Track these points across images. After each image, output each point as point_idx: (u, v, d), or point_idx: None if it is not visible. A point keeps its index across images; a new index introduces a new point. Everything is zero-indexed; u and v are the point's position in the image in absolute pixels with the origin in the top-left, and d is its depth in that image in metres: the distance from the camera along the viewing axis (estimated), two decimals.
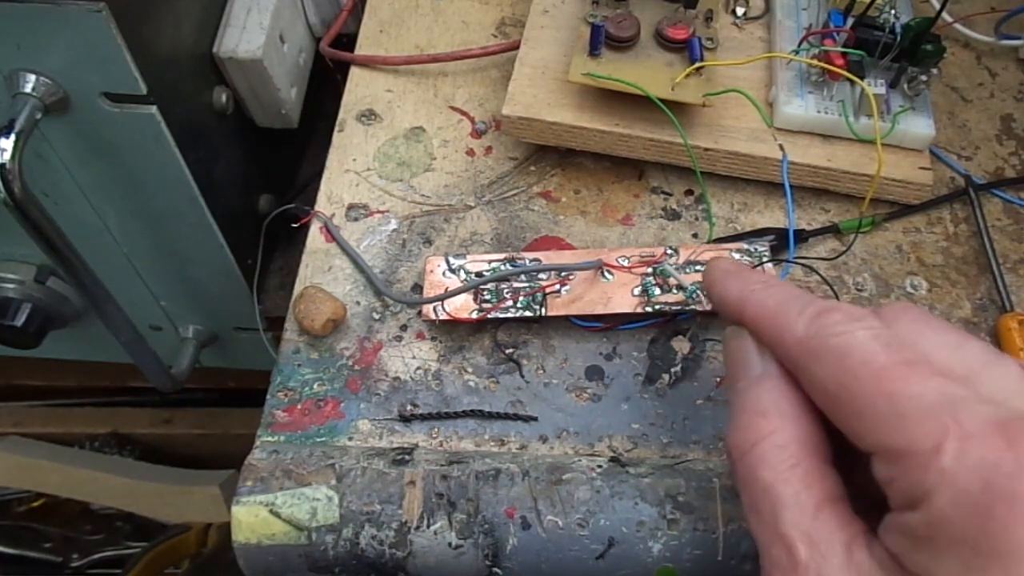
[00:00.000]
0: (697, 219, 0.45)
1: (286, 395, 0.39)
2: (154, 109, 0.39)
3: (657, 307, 0.39)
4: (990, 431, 0.22)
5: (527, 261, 0.41)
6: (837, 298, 0.41)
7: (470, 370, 0.40)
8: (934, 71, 0.43)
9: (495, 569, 0.34)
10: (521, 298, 0.40)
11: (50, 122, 0.39)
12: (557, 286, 0.40)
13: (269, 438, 0.38)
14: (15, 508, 0.84)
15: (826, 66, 0.43)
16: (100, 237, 0.48)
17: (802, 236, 0.43)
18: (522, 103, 0.44)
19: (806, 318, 0.27)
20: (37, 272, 0.51)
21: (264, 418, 0.39)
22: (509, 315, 0.40)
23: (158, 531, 0.80)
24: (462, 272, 0.41)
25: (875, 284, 0.42)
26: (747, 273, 0.32)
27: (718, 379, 0.39)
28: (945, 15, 0.47)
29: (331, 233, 0.44)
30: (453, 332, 0.41)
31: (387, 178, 0.46)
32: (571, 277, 0.40)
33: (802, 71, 0.45)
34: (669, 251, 0.41)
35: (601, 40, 0.43)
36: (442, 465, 0.36)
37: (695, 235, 0.44)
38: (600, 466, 0.36)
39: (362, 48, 0.51)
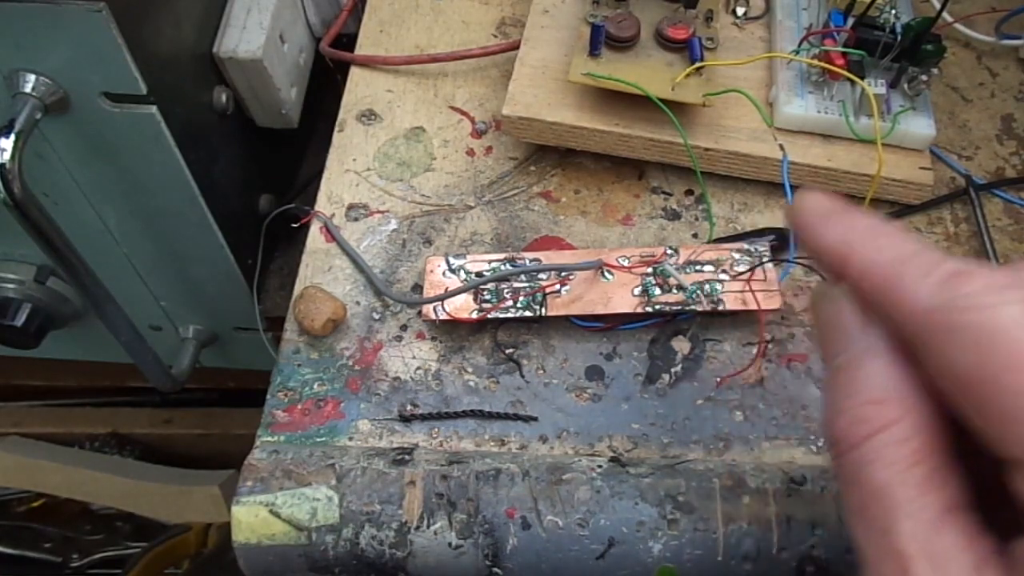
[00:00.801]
0: (697, 219, 0.44)
1: (286, 395, 0.39)
2: (154, 109, 0.39)
3: (657, 307, 0.39)
4: None
5: (527, 261, 0.41)
6: None
7: (470, 370, 0.40)
8: (934, 71, 0.43)
9: (495, 569, 0.34)
10: (521, 298, 0.40)
11: (50, 122, 0.39)
12: (557, 286, 0.40)
13: (269, 438, 0.38)
14: (15, 508, 0.84)
15: (826, 66, 0.43)
16: (100, 237, 0.48)
17: None
18: (522, 103, 0.44)
19: (934, 282, 0.21)
20: (37, 272, 0.51)
21: (264, 418, 0.39)
22: (509, 315, 0.39)
23: (158, 531, 0.80)
24: (462, 272, 0.41)
25: None
26: (852, 215, 0.25)
27: (718, 379, 0.39)
28: (945, 15, 0.47)
29: (331, 233, 0.44)
30: (453, 332, 0.41)
31: (387, 178, 0.46)
32: (571, 277, 0.40)
33: (802, 71, 0.45)
34: (669, 251, 0.41)
35: (601, 40, 0.43)
36: (442, 465, 0.36)
37: (695, 235, 0.44)
38: (600, 466, 0.36)
39: (362, 48, 0.51)
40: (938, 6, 0.43)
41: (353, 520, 0.35)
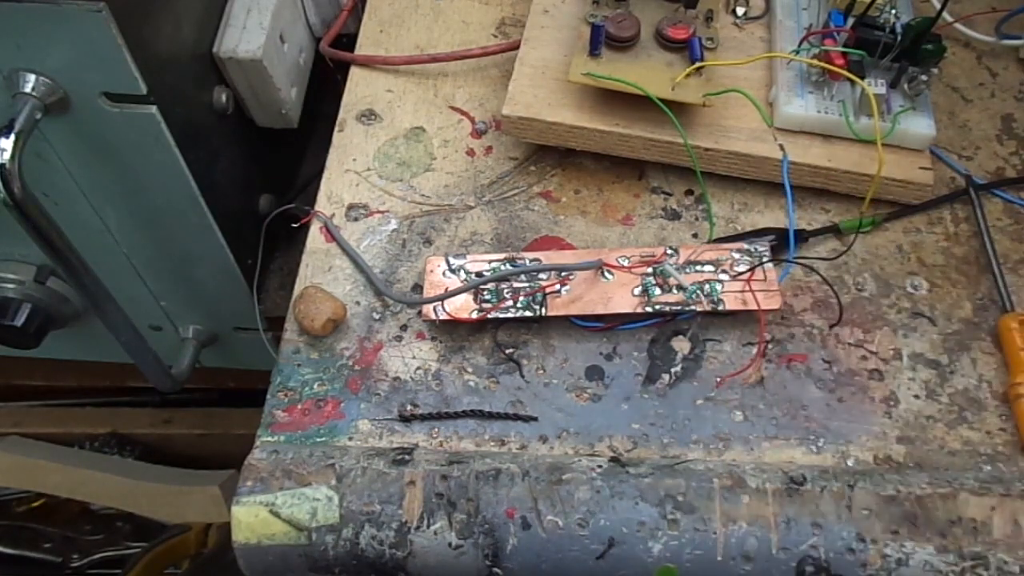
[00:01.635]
0: (697, 219, 0.44)
1: (286, 395, 0.39)
2: (154, 109, 0.39)
3: (657, 307, 0.39)
4: None
5: (527, 261, 0.41)
6: (837, 298, 0.41)
7: (470, 370, 0.40)
8: (934, 71, 0.43)
9: (495, 569, 0.34)
10: (521, 298, 0.40)
11: (50, 122, 0.39)
12: (557, 286, 0.40)
13: (269, 438, 0.38)
14: (15, 508, 0.83)
15: (826, 66, 0.43)
16: (100, 237, 0.48)
17: (802, 236, 0.43)
18: (522, 103, 0.44)
19: None
20: (37, 272, 0.51)
21: (264, 418, 0.39)
22: (509, 315, 0.39)
23: (158, 531, 0.80)
24: (462, 272, 0.41)
25: (875, 284, 0.42)
26: None
27: (718, 379, 0.39)
28: (945, 15, 0.47)
29: (331, 233, 0.44)
30: (453, 332, 0.41)
31: (387, 178, 0.46)
32: (571, 277, 0.40)
33: (802, 71, 0.45)
34: (669, 251, 0.41)
35: (601, 40, 0.43)
36: (442, 465, 0.36)
37: (695, 235, 0.44)
38: (600, 466, 0.36)
39: (362, 48, 0.51)
40: (938, 6, 0.43)
41: (353, 520, 0.35)
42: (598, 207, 0.45)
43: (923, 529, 0.34)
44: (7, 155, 0.36)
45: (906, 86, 0.44)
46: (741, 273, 0.40)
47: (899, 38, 0.43)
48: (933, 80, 0.44)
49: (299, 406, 0.39)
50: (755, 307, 0.39)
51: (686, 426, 0.38)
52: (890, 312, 0.42)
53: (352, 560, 0.34)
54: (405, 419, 0.38)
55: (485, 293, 0.40)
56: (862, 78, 0.42)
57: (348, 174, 0.46)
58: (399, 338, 0.41)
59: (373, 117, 0.48)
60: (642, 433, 0.38)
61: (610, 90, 0.43)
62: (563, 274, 0.40)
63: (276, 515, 0.35)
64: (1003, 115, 0.49)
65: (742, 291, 0.40)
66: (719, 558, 0.34)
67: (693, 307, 0.39)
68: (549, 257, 0.41)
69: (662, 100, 0.41)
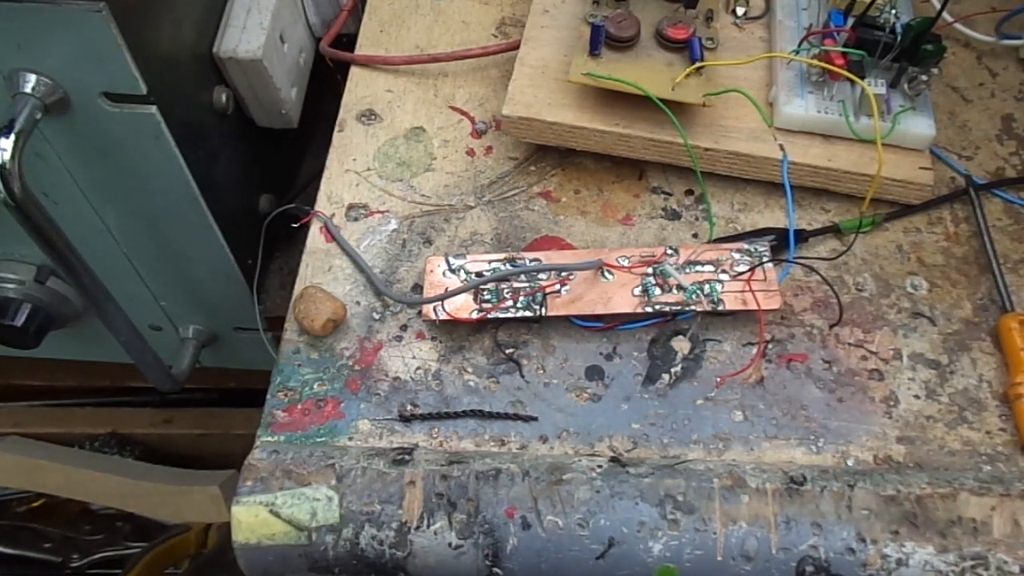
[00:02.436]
0: (697, 219, 0.44)
1: (286, 395, 0.39)
2: (154, 109, 0.39)
3: (657, 307, 0.39)
4: None
5: (527, 261, 0.41)
6: (837, 298, 0.41)
7: (470, 370, 0.40)
8: (934, 71, 0.43)
9: (495, 569, 0.34)
10: (521, 298, 0.40)
11: (50, 122, 0.39)
12: (557, 286, 0.40)
13: (269, 438, 0.38)
14: (15, 508, 0.83)
15: (826, 66, 0.43)
16: (100, 237, 0.48)
17: (802, 236, 0.43)
18: (522, 103, 0.44)
19: None
20: (37, 272, 0.51)
21: (264, 418, 0.39)
22: (509, 315, 0.39)
23: (158, 531, 0.80)
24: (462, 272, 0.41)
25: (875, 284, 0.42)
26: None
27: (718, 379, 0.39)
28: (945, 15, 0.47)
29: (331, 233, 0.44)
30: (453, 332, 0.41)
31: (387, 178, 0.46)
32: (571, 277, 0.40)
33: (802, 71, 0.45)
34: (669, 251, 0.41)
35: (601, 40, 0.43)
36: (442, 465, 0.36)
37: (695, 235, 0.44)
38: (600, 466, 0.36)
39: (362, 48, 0.51)
40: (938, 6, 0.43)
41: (353, 520, 0.35)
42: (598, 207, 0.45)
43: (923, 529, 0.34)
44: (7, 155, 0.36)
45: (906, 86, 0.44)
46: (741, 273, 0.40)
47: (899, 38, 0.43)
48: (933, 80, 0.44)
49: (299, 406, 0.39)
50: (755, 307, 0.39)
51: (686, 426, 0.38)
52: (890, 312, 0.42)
53: (352, 560, 0.35)
54: (405, 419, 0.38)
55: (485, 293, 0.40)
56: (862, 78, 0.42)
57: (348, 174, 0.46)
58: (399, 338, 0.41)
59: (373, 117, 0.48)
60: (642, 433, 0.38)
61: (610, 90, 0.43)
62: (563, 274, 0.40)
63: (276, 515, 0.35)
64: (1003, 115, 0.49)
65: (742, 291, 0.40)
66: (719, 558, 0.34)
67: (693, 307, 0.39)
68: (549, 257, 0.41)
69: (662, 100, 0.41)
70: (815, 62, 0.44)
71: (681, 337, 0.41)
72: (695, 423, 0.38)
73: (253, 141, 0.52)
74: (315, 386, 0.39)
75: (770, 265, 0.40)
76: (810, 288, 0.42)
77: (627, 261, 0.41)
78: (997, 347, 0.40)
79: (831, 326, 0.41)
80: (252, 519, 0.35)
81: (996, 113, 0.49)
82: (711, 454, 0.38)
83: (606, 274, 0.40)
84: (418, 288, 0.42)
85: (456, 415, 0.38)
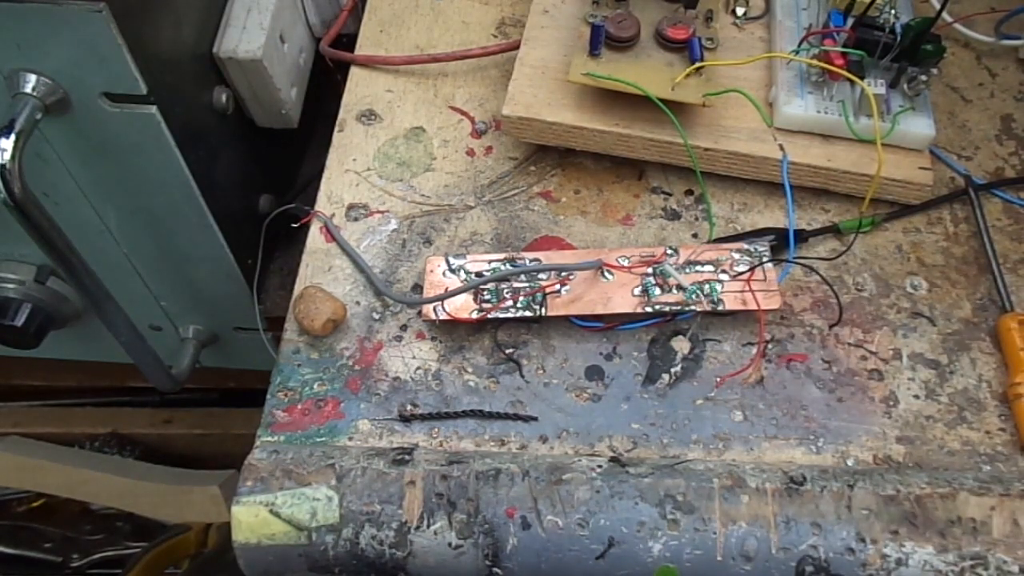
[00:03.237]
0: (697, 219, 0.45)
1: (286, 395, 0.39)
2: (154, 109, 0.39)
3: (657, 307, 0.39)
4: None
5: (527, 261, 0.41)
6: (837, 298, 0.41)
7: (470, 370, 0.40)
8: (934, 71, 0.43)
9: (495, 569, 0.34)
10: (521, 298, 0.40)
11: (50, 122, 0.39)
12: (557, 286, 0.40)
13: (269, 438, 0.38)
14: (15, 508, 0.83)
15: (826, 66, 0.43)
16: (100, 237, 0.48)
17: (802, 236, 0.43)
18: (522, 103, 0.44)
19: None
20: (37, 272, 0.51)
21: (264, 418, 0.39)
22: (509, 315, 0.40)
23: (158, 531, 0.80)
24: (462, 272, 0.41)
25: (875, 284, 0.42)
26: None
27: (718, 379, 0.39)
28: (945, 15, 0.47)
29: (331, 233, 0.44)
30: (453, 332, 0.41)
31: (387, 178, 0.46)
32: (571, 277, 0.40)
33: (802, 71, 0.45)
34: (669, 251, 0.41)
35: (601, 40, 0.43)
36: (442, 465, 0.36)
37: (695, 235, 0.44)
38: (600, 466, 0.36)
39: (362, 48, 0.51)
40: (938, 6, 0.43)
41: (353, 520, 0.35)
42: (598, 207, 0.45)
43: (922, 529, 0.34)
44: (7, 155, 0.36)
45: (906, 86, 0.44)
46: (741, 273, 0.40)
47: (899, 38, 0.43)
48: (933, 80, 0.44)
49: (299, 406, 0.39)
50: (755, 307, 0.39)
51: (686, 426, 0.38)
52: (890, 312, 0.42)
53: (352, 560, 0.35)
54: (405, 419, 0.38)
55: (485, 293, 0.40)
56: (862, 78, 0.42)
57: (348, 174, 0.46)
58: (399, 338, 0.41)
59: (373, 117, 0.48)
60: (642, 433, 0.38)
61: (610, 90, 0.43)
62: (563, 274, 0.40)
63: (276, 515, 0.35)
64: (1002, 115, 0.49)
65: (742, 291, 0.40)
66: (719, 558, 0.34)
67: (693, 307, 0.39)
68: (549, 257, 0.41)
69: (662, 100, 0.41)
70: (815, 62, 0.44)
71: (681, 337, 0.41)
72: (695, 423, 0.38)
73: (253, 141, 0.52)
74: (315, 386, 0.39)
75: (770, 265, 0.40)
76: (810, 288, 0.42)
77: (627, 261, 0.41)
78: (996, 347, 0.41)
79: (831, 326, 0.41)
80: (252, 519, 0.35)
81: (995, 113, 0.49)
82: (711, 454, 0.38)
83: (606, 274, 0.40)
84: (418, 288, 0.42)
85: (456, 415, 0.38)
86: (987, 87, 0.50)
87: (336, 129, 0.48)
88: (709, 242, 0.43)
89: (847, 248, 0.43)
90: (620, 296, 0.40)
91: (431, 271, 0.41)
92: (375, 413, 0.39)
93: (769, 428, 0.38)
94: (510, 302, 0.40)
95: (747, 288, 0.40)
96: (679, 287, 0.40)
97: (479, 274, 0.41)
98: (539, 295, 0.40)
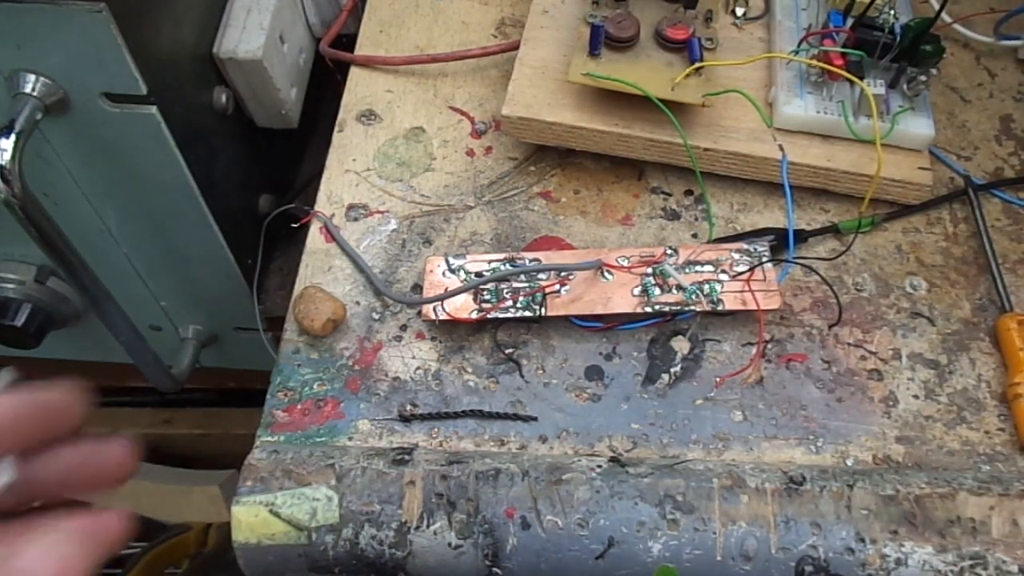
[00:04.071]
0: (697, 219, 0.45)
1: (286, 395, 0.39)
2: (154, 109, 0.39)
3: (657, 307, 0.39)
4: None
5: (527, 261, 0.41)
6: (837, 299, 0.41)
7: (470, 370, 0.40)
8: (933, 71, 0.43)
9: (495, 569, 0.34)
10: (521, 298, 0.40)
11: (50, 122, 0.39)
12: (557, 286, 0.40)
13: (269, 438, 0.38)
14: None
15: (826, 66, 0.43)
16: (100, 237, 0.48)
17: (802, 236, 0.43)
18: (522, 103, 0.44)
19: None
20: (37, 272, 0.51)
21: (264, 418, 0.39)
22: (509, 315, 0.40)
23: (158, 531, 0.80)
24: (462, 272, 0.41)
25: (875, 284, 0.42)
26: None
27: (718, 379, 0.39)
28: (944, 15, 0.47)
29: (331, 233, 0.44)
30: (453, 332, 0.41)
31: (387, 178, 0.46)
32: (571, 277, 0.40)
33: (802, 71, 0.45)
34: (669, 251, 0.41)
35: (601, 40, 0.43)
36: (442, 465, 0.36)
37: (695, 235, 0.44)
38: (600, 466, 0.36)
39: (362, 48, 0.51)
40: (937, 6, 0.43)
41: (353, 520, 0.35)
42: (598, 207, 0.45)
43: (922, 529, 0.34)
44: (7, 155, 0.36)
45: (905, 86, 0.44)
46: (741, 273, 0.40)
47: (898, 38, 0.43)
48: (932, 80, 0.44)
49: (299, 406, 0.39)
50: (754, 307, 0.39)
51: (685, 426, 0.38)
52: (889, 312, 0.42)
53: (352, 560, 0.35)
54: (405, 419, 0.39)
55: (485, 293, 0.40)
56: (861, 78, 0.42)
57: (348, 174, 0.46)
58: (399, 338, 0.41)
59: (373, 117, 0.48)
60: (642, 433, 0.38)
61: (610, 90, 0.43)
62: (563, 274, 0.40)
63: (276, 515, 0.35)
64: (1002, 115, 0.49)
65: (742, 291, 0.40)
66: (718, 558, 0.34)
67: (693, 307, 0.39)
68: (549, 257, 0.41)
69: (662, 100, 0.42)
70: (814, 62, 0.44)
71: (681, 337, 0.41)
72: (695, 423, 0.38)
73: (253, 141, 0.52)
74: (315, 386, 0.39)
75: (769, 265, 0.40)
76: (809, 288, 0.42)
77: (627, 261, 0.41)
78: (996, 347, 0.41)
79: (830, 326, 0.41)
80: (252, 519, 0.35)
81: (995, 113, 0.49)
82: (710, 454, 0.38)
83: (606, 274, 0.40)
84: (418, 288, 0.42)
85: (456, 415, 0.38)
86: (986, 87, 0.50)
87: (336, 129, 0.48)
88: (709, 242, 0.43)
89: (847, 248, 0.43)
90: (620, 296, 0.40)
91: (431, 271, 0.41)
92: (375, 413, 0.39)
93: (769, 428, 0.38)
94: (510, 302, 0.40)
95: (747, 288, 0.40)
96: (679, 287, 0.40)
97: (479, 274, 0.41)
98: (539, 295, 0.40)
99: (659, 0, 0.45)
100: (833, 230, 0.44)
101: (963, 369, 0.40)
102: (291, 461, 0.36)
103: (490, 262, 0.41)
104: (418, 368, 0.40)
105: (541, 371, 0.40)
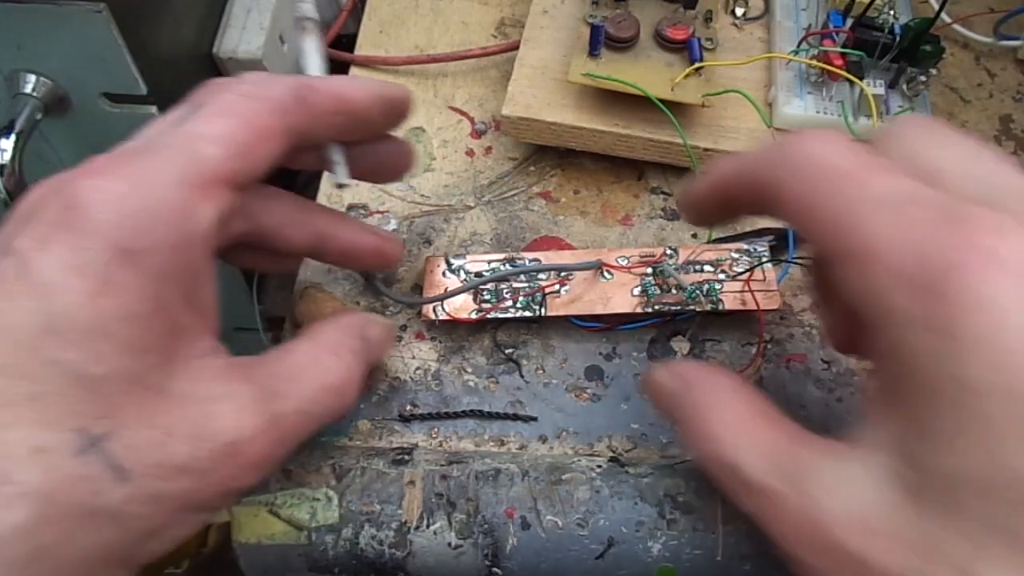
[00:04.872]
0: None
1: None
2: (154, 109, 0.39)
3: (657, 307, 0.39)
4: (936, 218, 0.21)
5: (527, 261, 0.41)
6: None
7: (470, 370, 0.40)
8: (933, 72, 0.44)
9: (495, 569, 0.34)
10: (521, 298, 0.40)
11: (50, 122, 0.39)
12: (557, 286, 0.40)
13: None
14: None
15: (825, 66, 0.43)
16: None
17: (801, 236, 0.43)
18: (522, 103, 0.44)
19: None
20: None
21: None
22: (509, 315, 0.40)
23: None
24: (462, 272, 0.41)
25: None
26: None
27: None
28: (944, 16, 0.47)
29: None
30: (453, 332, 0.41)
31: None
32: (571, 277, 0.40)
33: (801, 71, 0.45)
34: (669, 251, 0.41)
35: (601, 40, 0.43)
36: (442, 465, 0.36)
37: (695, 235, 0.44)
38: (600, 466, 0.36)
39: (362, 48, 0.51)
40: (937, 6, 0.43)
41: (353, 520, 0.35)
42: (597, 207, 0.45)
43: None
44: (7, 155, 0.36)
45: (905, 87, 0.44)
46: (740, 273, 0.40)
47: (898, 39, 0.43)
48: (932, 81, 0.44)
49: None
50: (754, 307, 0.39)
51: None
52: None
53: (352, 560, 0.35)
54: (405, 419, 0.39)
55: (485, 293, 0.40)
56: (861, 79, 0.42)
57: None
58: (399, 338, 0.41)
59: None
60: (641, 433, 0.38)
61: (610, 90, 0.43)
62: (562, 274, 0.40)
63: (276, 515, 0.35)
64: (1001, 116, 0.49)
65: (741, 291, 0.40)
66: (718, 558, 0.34)
67: (693, 307, 0.39)
68: (549, 257, 0.41)
69: (661, 100, 0.42)
70: (814, 63, 0.44)
71: (681, 337, 0.41)
72: None
73: None
74: None
75: (769, 265, 0.40)
76: (809, 288, 0.42)
77: (626, 261, 0.41)
78: None
79: None
80: (252, 519, 0.35)
81: (994, 114, 0.49)
82: None
83: (605, 274, 0.40)
84: (418, 288, 0.42)
85: (456, 415, 0.39)
86: (986, 88, 0.50)
87: None
88: (709, 242, 0.43)
89: None
90: (620, 296, 0.40)
91: (431, 271, 0.41)
92: (375, 413, 0.39)
93: None
94: (510, 302, 0.40)
95: (746, 288, 0.40)
96: (679, 287, 0.40)
97: (479, 274, 0.41)
98: (539, 295, 0.40)
99: (659, 0, 0.45)
100: None
101: None
102: (291, 461, 0.36)
103: (490, 262, 0.41)
104: (418, 368, 0.40)
105: (541, 371, 0.40)
